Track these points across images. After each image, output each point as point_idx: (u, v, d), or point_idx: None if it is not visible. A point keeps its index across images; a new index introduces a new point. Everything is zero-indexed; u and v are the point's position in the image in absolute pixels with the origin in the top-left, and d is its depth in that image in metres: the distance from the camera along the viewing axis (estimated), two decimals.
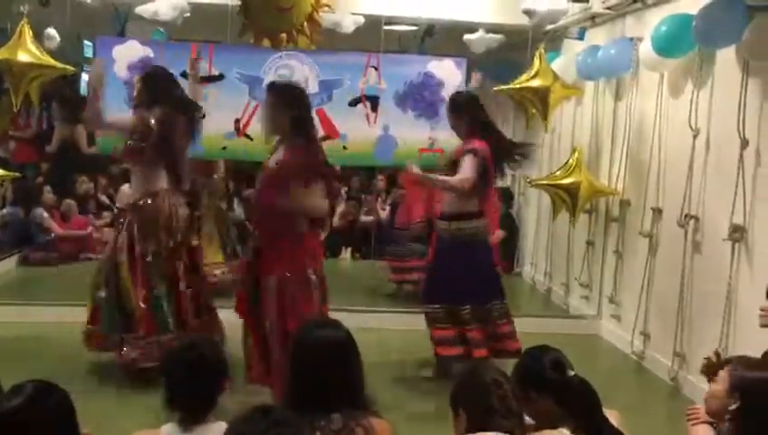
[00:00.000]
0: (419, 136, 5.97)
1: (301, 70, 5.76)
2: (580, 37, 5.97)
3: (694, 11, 4.26)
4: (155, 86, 4.34)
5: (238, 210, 8.10)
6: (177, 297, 4.24)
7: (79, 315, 5.30)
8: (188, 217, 4.39)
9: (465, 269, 4.44)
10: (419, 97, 5.98)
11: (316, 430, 2.11)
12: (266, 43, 5.57)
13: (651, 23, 4.89)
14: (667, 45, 4.61)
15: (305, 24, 5.53)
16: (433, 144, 5.97)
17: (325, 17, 5.69)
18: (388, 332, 5.36)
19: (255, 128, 5.84)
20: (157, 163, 4.28)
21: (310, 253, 3.80)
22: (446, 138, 5.86)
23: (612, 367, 5.20)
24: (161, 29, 6.64)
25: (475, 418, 2.10)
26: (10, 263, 7.11)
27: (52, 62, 5.23)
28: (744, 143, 4.13)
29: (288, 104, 3.78)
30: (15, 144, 8.08)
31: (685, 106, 4.69)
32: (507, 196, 8.07)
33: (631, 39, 5.27)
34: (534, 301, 6.86)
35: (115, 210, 8.13)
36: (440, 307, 4.50)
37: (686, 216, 4.63)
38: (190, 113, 4.42)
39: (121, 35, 6.29)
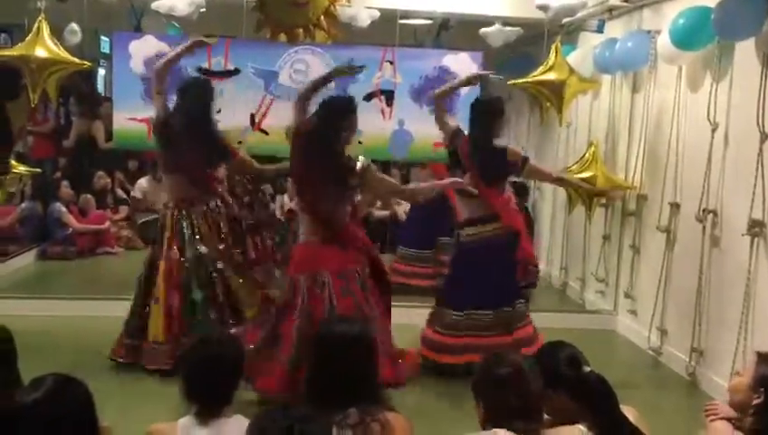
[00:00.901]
0: (434, 130, 5.94)
1: (316, 64, 5.76)
2: (600, 30, 5.92)
3: (712, 3, 4.22)
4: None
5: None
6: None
7: (96, 309, 5.38)
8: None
9: (486, 273, 4.43)
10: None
11: (333, 425, 2.12)
12: (283, 37, 5.58)
13: (669, 15, 4.84)
14: (686, 38, 4.56)
15: (322, 18, 5.54)
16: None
17: (341, 11, 5.69)
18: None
19: (271, 122, 5.87)
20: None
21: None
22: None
23: (629, 363, 5.17)
24: (176, 24, 6.67)
25: (490, 412, 2.09)
26: (29, 257, 7.18)
27: (69, 57, 5.27)
28: (764, 137, 4.08)
29: None
30: (33, 139, 8.14)
31: (703, 100, 4.64)
32: (523, 190, 8.04)
33: (649, 32, 5.22)
34: (550, 296, 6.83)
35: (129, 200, 8.23)
36: (464, 314, 4.47)
37: (704, 210, 4.59)
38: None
39: (138, 31, 6.32)
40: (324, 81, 4.06)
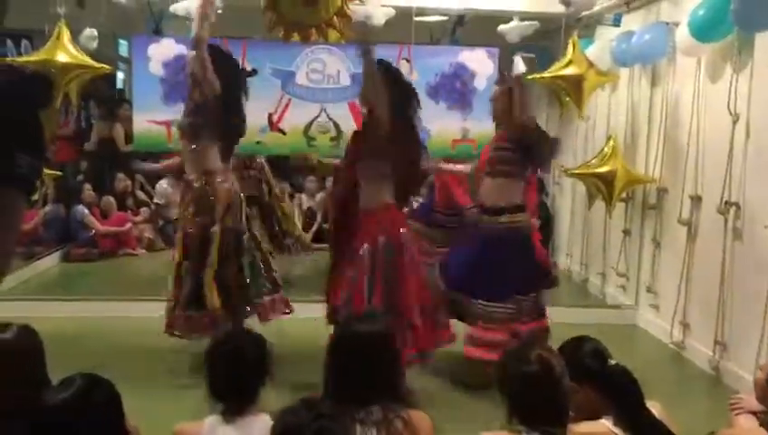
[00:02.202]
0: (452, 127, 5.95)
1: (332, 63, 5.78)
2: (617, 23, 5.88)
3: None
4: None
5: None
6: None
7: (120, 309, 5.44)
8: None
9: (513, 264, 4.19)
10: (451, 88, 5.95)
11: (356, 422, 2.13)
12: (296, 37, 5.59)
13: (687, 7, 4.80)
14: (705, 30, 4.52)
15: (335, 17, 5.54)
16: (465, 135, 5.95)
17: (355, 10, 5.69)
18: None
19: (288, 122, 5.89)
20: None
21: None
22: (479, 128, 5.84)
23: (651, 357, 5.14)
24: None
25: (516, 409, 2.09)
26: (53, 259, 7.27)
27: (89, 61, 5.33)
28: None
29: None
30: (55, 143, 8.23)
31: (723, 91, 4.60)
32: (541, 185, 8.00)
33: (667, 24, 5.18)
34: (570, 291, 6.80)
35: (152, 206, 8.30)
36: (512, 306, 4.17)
37: (726, 203, 4.55)
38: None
39: (157, 33, 6.38)
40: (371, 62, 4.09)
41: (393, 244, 3.91)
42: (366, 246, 3.89)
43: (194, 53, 4.22)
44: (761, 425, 2.45)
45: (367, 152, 4.00)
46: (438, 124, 5.87)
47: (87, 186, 8.05)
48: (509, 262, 4.15)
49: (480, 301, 4.18)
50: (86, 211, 7.62)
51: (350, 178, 4.10)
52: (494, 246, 4.18)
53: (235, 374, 2.28)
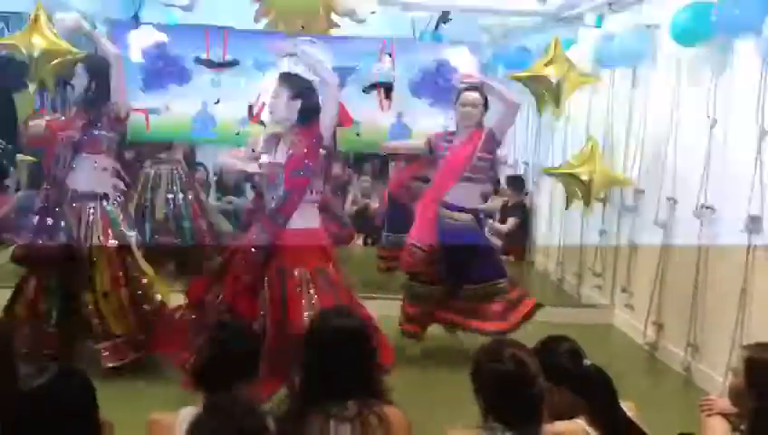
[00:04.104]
0: (433, 123, 5.93)
1: (315, 55, 5.73)
2: (597, 24, 5.91)
3: None
4: None
5: (250, 195, 8.11)
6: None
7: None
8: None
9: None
10: (433, 84, 5.93)
11: (330, 417, 2.12)
12: (281, 28, 5.55)
13: (669, 10, 4.83)
14: (686, 33, 4.56)
15: (321, 10, 5.52)
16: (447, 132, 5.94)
17: (340, 3, 5.67)
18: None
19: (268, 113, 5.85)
20: None
21: None
22: None
23: (625, 357, 5.18)
24: (175, 13, 6.63)
25: (490, 407, 2.09)
26: None
27: (67, 46, 5.23)
28: (762, 133, 4.09)
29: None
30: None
31: (702, 95, 4.64)
32: (519, 183, 8.04)
33: (648, 26, 5.22)
34: (546, 290, 6.84)
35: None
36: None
37: (701, 206, 4.59)
38: None
39: (136, 19, 6.29)
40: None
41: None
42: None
43: None
44: (732, 429, 2.47)
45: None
46: (420, 121, 5.85)
47: None
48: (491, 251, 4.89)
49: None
50: None
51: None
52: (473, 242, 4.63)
53: (215, 364, 2.26)
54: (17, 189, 7.44)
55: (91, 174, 4.34)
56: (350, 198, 8.49)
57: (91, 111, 4.39)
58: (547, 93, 5.58)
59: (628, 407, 2.28)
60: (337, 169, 7.66)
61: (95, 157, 4.34)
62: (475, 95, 4.70)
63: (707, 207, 4.56)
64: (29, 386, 1.81)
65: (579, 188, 5.51)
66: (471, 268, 4.63)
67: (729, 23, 4.12)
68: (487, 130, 4.66)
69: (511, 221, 7.76)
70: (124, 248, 4.28)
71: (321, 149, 3.89)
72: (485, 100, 4.71)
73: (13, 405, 1.79)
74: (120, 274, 4.20)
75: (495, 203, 7.81)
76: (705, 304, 4.60)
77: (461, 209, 4.66)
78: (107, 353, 4.13)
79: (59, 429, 1.78)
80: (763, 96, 4.07)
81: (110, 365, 4.12)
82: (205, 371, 2.26)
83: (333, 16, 5.69)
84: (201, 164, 7.95)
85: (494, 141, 4.67)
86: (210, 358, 2.27)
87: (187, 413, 2.21)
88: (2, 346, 2.35)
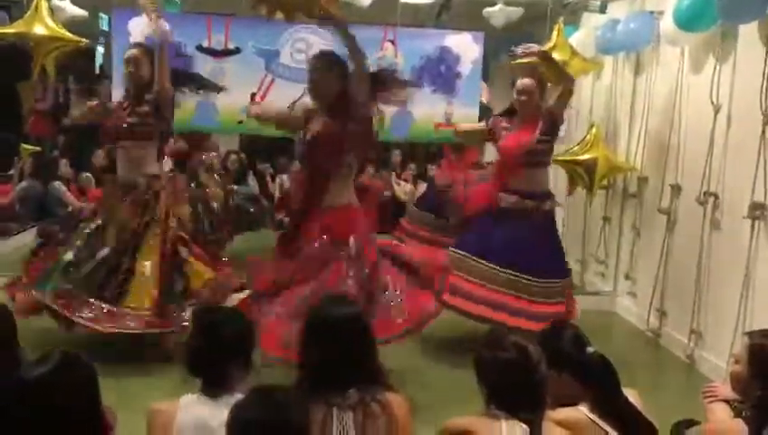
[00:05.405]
0: (435, 111, 5.93)
1: (317, 43, 5.72)
2: (602, 10, 5.87)
3: None
4: None
5: (252, 184, 8.12)
6: None
7: None
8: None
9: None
10: (436, 72, 5.93)
11: (332, 406, 2.12)
12: (279, 16, 5.53)
13: None
14: (689, 19, 4.52)
15: None
16: (449, 119, 5.93)
17: None
18: None
19: (271, 102, 5.83)
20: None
21: None
22: (462, 113, 5.83)
23: (627, 344, 5.19)
24: (176, 1, 6.61)
25: (492, 395, 2.09)
26: (29, 235, 7.16)
27: (68, 35, 5.23)
28: (766, 120, 4.06)
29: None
30: (33, 117, 8.11)
31: (706, 82, 4.62)
32: None
33: (652, 12, 5.18)
34: None
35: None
36: None
37: (705, 193, 4.58)
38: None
39: (137, 7, 6.26)
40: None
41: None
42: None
43: None
44: (735, 415, 2.47)
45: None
46: (422, 108, 5.85)
47: (64, 161, 7.94)
48: (552, 243, 4.65)
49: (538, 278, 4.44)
50: (63, 188, 7.51)
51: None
52: (540, 228, 4.50)
53: (207, 350, 2.25)
54: (20, 179, 7.46)
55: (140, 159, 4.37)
56: None
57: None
58: (550, 80, 5.54)
59: (630, 394, 2.28)
60: None
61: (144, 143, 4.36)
62: (527, 82, 4.48)
63: (711, 194, 4.55)
64: (32, 374, 1.81)
65: (582, 175, 5.51)
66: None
67: (732, 9, 4.09)
68: (545, 113, 4.45)
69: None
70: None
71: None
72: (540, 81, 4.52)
73: (15, 393, 1.79)
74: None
75: None
76: (709, 291, 4.60)
77: (524, 195, 4.49)
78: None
79: (62, 417, 1.78)
80: (767, 82, 4.04)
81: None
82: (195, 357, 2.26)
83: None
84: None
85: (552, 123, 4.45)
86: (198, 345, 2.27)
87: (188, 401, 2.22)
88: (5, 333, 2.37)
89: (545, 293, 4.45)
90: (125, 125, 4.28)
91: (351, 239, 3.68)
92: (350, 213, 3.79)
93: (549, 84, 4.82)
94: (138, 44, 4.51)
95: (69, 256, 4.21)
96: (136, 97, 4.30)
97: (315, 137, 3.72)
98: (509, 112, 4.66)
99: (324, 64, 3.78)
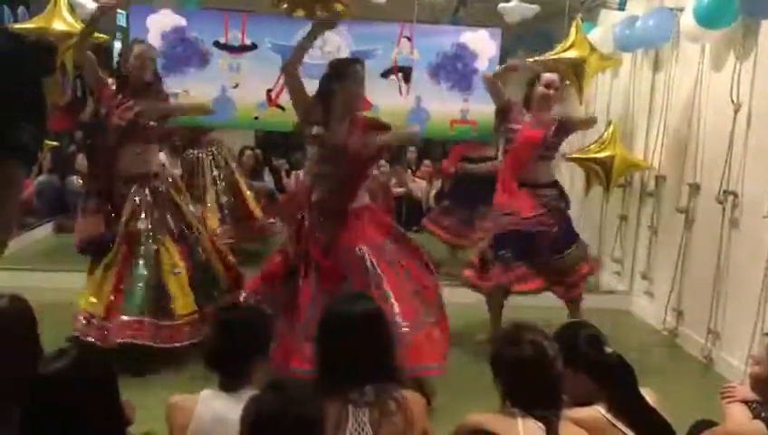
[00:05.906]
0: (452, 108, 5.90)
1: (334, 40, 5.71)
2: (621, 7, 5.82)
3: None
4: None
5: (268, 179, 8.14)
6: None
7: None
8: None
9: None
10: (452, 68, 5.90)
11: (349, 403, 2.12)
12: (300, 13, 5.53)
13: None
14: (710, 16, 4.48)
15: None
16: (465, 116, 5.91)
17: None
18: None
19: (287, 98, 5.83)
20: None
21: None
22: (479, 110, 5.80)
23: (644, 344, 5.15)
24: None
25: (509, 392, 2.08)
26: (45, 230, 7.23)
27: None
28: None
29: None
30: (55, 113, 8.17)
31: (726, 79, 4.57)
32: None
33: (672, 9, 5.14)
34: None
35: None
36: None
37: (724, 192, 4.54)
38: None
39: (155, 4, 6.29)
40: (310, 38, 3.95)
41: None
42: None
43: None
44: (754, 416, 2.45)
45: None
46: (438, 104, 5.84)
47: (80, 156, 7.99)
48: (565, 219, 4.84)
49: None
50: (80, 182, 7.57)
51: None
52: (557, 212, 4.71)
53: (226, 347, 2.27)
54: (38, 174, 7.52)
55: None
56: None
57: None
58: (569, 77, 5.52)
59: (647, 394, 2.26)
60: None
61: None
62: (555, 76, 4.64)
63: (730, 193, 4.50)
64: (50, 369, 1.82)
65: (599, 173, 5.47)
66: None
67: (753, 5, 4.04)
68: (562, 119, 4.61)
69: None
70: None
71: None
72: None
73: (34, 388, 1.81)
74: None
75: None
76: (727, 290, 4.55)
77: (540, 185, 4.65)
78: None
79: (80, 411, 1.79)
80: None
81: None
82: (214, 353, 2.27)
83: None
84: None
85: (564, 130, 4.66)
86: (217, 341, 2.28)
87: (207, 396, 2.23)
88: (26, 328, 2.38)
89: (573, 261, 4.70)
90: (124, 124, 4.28)
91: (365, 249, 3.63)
92: (372, 213, 3.82)
93: (566, 82, 4.82)
94: (150, 46, 4.56)
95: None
96: (134, 94, 4.29)
97: (350, 149, 3.64)
98: (526, 102, 4.70)
99: (363, 75, 3.78)
